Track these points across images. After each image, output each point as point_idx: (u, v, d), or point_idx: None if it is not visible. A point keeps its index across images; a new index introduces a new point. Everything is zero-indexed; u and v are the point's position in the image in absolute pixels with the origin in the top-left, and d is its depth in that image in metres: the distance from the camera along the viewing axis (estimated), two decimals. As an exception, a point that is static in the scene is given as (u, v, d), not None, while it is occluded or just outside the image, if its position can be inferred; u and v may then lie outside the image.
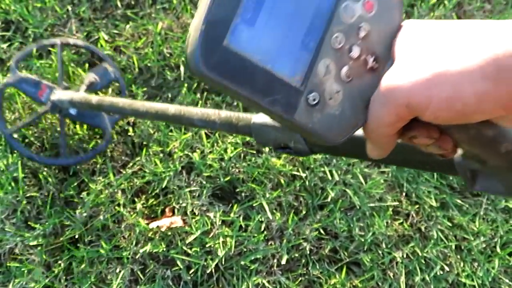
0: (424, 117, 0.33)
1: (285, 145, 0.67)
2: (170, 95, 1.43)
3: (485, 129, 0.36)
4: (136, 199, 1.34)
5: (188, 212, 1.32)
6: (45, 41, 1.38)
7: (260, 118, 0.70)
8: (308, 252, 1.32)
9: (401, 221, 1.36)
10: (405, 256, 1.33)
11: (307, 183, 1.36)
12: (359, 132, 0.40)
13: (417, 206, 1.38)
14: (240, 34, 0.33)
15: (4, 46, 1.42)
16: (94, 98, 1.07)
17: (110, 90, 1.42)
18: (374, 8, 0.37)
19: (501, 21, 0.31)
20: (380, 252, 1.33)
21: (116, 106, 0.98)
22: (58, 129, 1.35)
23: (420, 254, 1.33)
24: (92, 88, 1.34)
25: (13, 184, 1.30)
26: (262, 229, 1.32)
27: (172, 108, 0.87)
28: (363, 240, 1.33)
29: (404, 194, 1.39)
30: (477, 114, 0.31)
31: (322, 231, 1.34)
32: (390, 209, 1.36)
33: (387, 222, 1.35)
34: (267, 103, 0.34)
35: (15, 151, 1.30)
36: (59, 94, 1.24)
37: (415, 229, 1.37)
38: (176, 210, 1.33)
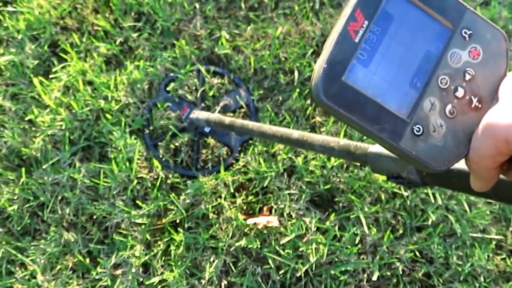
0: None
1: (398, 175, 0.69)
2: (280, 98, 1.47)
3: None
4: (236, 194, 1.38)
5: (285, 214, 1.34)
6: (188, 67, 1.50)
7: (377, 148, 0.73)
8: (400, 273, 1.30)
9: (503, 256, 1.31)
10: (504, 293, 1.27)
11: (407, 202, 1.34)
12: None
13: (523, 243, 1.32)
14: (356, 73, 0.40)
15: (135, 35, 1.52)
16: (227, 119, 1.17)
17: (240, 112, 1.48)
18: (480, 55, 0.42)
19: None
20: (477, 285, 1.28)
21: (245, 127, 1.07)
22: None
23: (521, 294, 1.26)
24: (225, 109, 1.46)
25: (127, 164, 1.39)
26: (356, 242, 1.32)
27: (296, 133, 0.92)
28: (460, 269, 1.29)
29: (510, 229, 1.33)
30: None
31: (417, 254, 1.31)
32: (493, 242, 1.31)
33: (488, 255, 1.30)
34: (376, 130, 0.40)
35: (156, 159, 1.41)
36: (197, 114, 1.37)
37: (518, 267, 1.31)
38: (273, 210, 1.36)
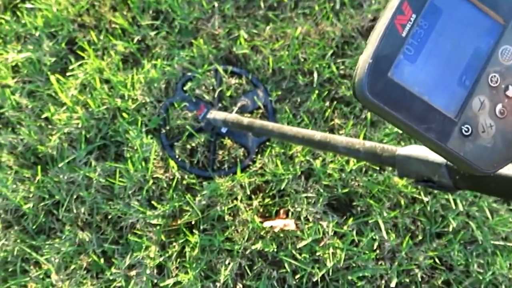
0: None
1: (428, 178, 0.67)
2: (299, 99, 1.44)
3: None
4: (253, 196, 1.36)
5: (302, 218, 1.32)
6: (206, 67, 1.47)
7: (405, 150, 0.71)
8: (419, 280, 1.27)
9: (526, 265, 1.28)
10: (526, 303, 1.24)
11: (428, 208, 1.31)
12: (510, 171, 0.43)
13: (546, 252, 1.28)
14: (403, 69, 0.38)
15: (152, 34, 1.50)
16: (245, 120, 1.15)
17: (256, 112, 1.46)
18: None
19: None
20: (498, 294, 1.25)
21: (265, 128, 1.05)
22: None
23: (544, 304, 1.23)
24: (242, 110, 1.44)
25: (143, 163, 1.37)
26: (374, 247, 1.29)
27: (318, 135, 0.90)
28: (480, 277, 1.26)
29: (533, 237, 1.30)
30: None
31: (437, 261, 1.28)
32: (516, 250, 1.28)
33: (510, 264, 1.27)
34: (423, 130, 0.38)
35: (172, 159, 1.39)
36: (215, 114, 1.34)
37: (541, 277, 1.27)
38: (290, 213, 1.34)
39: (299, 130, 0.98)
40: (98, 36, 1.51)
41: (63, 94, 1.42)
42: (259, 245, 1.29)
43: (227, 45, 1.49)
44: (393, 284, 1.25)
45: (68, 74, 1.47)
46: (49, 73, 1.46)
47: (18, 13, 1.54)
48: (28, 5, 1.54)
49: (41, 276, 1.30)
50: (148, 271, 1.29)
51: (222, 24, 1.52)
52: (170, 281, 1.28)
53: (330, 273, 1.27)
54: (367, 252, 1.29)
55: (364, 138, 1.38)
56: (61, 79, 1.45)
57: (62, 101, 1.43)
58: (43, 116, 1.43)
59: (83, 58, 1.48)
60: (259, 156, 1.40)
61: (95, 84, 1.44)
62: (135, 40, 1.50)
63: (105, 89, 1.44)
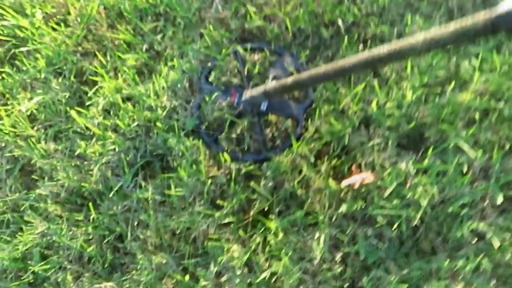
0: None
1: None
2: (330, 53, 1.36)
3: None
4: (318, 162, 1.26)
5: (377, 166, 1.22)
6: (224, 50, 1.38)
7: (506, 6, 0.64)
8: (524, 188, 1.17)
9: None
10: None
11: (505, 113, 1.21)
12: None
13: None
14: None
15: (158, 37, 1.42)
16: (288, 79, 1.05)
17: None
18: None
19: None
20: None
21: (316, 75, 0.95)
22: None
23: None
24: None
25: (194, 166, 1.27)
26: (464, 171, 1.19)
27: (383, 48, 0.82)
28: None
29: None
30: None
31: (535, 163, 1.18)
32: None
33: None
34: None
35: (222, 154, 1.28)
36: (251, 92, 1.24)
37: None
38: (363, 166, 1.24)
39: (358, 56, 0.89)
40: (105, 57, 1.42)
41: (89, 125, 1.33)
42: (343, 208, 1.19)
43: (237, 24, 1.41)
44: (499, 201, 1.14)
45: (87, 103, 1.38)
46: (67, 109, 1.37)
47: (17, 62, 1.46)
48: (23, 48, 1.46)
49: (129, 314, 1.19)
50: (238, 272, 1.18)
51: (225, 6, 1.44)
52: (265, 275, 1.17)
53: (427, 212, 1.17)
54: (458, 178, 1.18)
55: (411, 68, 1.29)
56: (82, 111, 1.36)
57: (90, 133, 1.34)
58: (76, 154, 1.33)
59: (96, 83, 1.40)
60: (309, 121, 1.30)
61: (118, 104, 1.35)
62: (143, 49, 1.42)
63: (130, 106, 1.35)
